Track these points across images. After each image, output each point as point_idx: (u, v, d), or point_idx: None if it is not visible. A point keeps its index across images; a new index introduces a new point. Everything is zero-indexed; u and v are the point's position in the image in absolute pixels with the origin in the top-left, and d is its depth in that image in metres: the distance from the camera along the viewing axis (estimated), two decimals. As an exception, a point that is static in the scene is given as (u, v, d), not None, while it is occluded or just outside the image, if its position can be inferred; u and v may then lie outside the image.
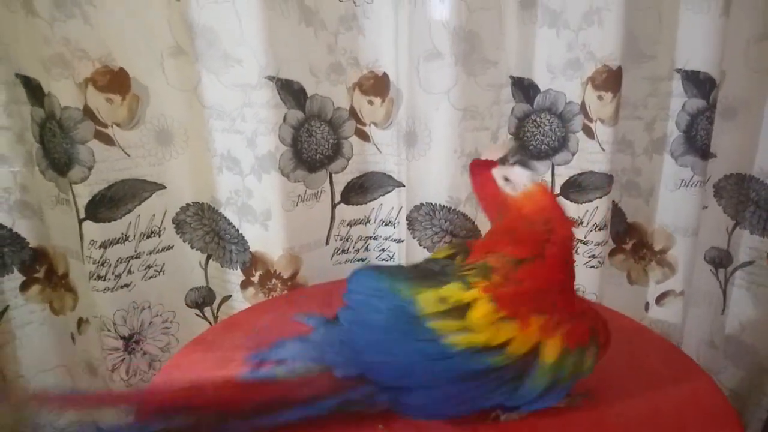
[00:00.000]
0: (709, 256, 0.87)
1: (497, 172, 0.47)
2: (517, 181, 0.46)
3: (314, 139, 0.74)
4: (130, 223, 0.70)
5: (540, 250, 0.45)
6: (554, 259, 0.45)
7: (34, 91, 0.65)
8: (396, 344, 0.43)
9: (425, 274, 0.47)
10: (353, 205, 0.81)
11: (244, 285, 0.76)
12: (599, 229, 0.76)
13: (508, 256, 0.45)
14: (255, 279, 0.76)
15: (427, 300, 0.43)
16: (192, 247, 0.77)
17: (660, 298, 0.85)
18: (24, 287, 0.73)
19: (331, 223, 0.80)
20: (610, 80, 0.70)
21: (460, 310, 0.42)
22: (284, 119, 0.69)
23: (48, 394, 0.44)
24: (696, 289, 0.86)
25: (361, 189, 0.81)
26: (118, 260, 0.70)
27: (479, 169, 0.49)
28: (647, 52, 0.76)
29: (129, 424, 0.41)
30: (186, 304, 0.79)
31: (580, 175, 0.76)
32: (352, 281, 0.47)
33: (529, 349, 0.41)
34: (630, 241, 0.85)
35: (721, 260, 0.86)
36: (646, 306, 0.86)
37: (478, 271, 0.44)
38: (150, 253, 0.73)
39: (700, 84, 0.74)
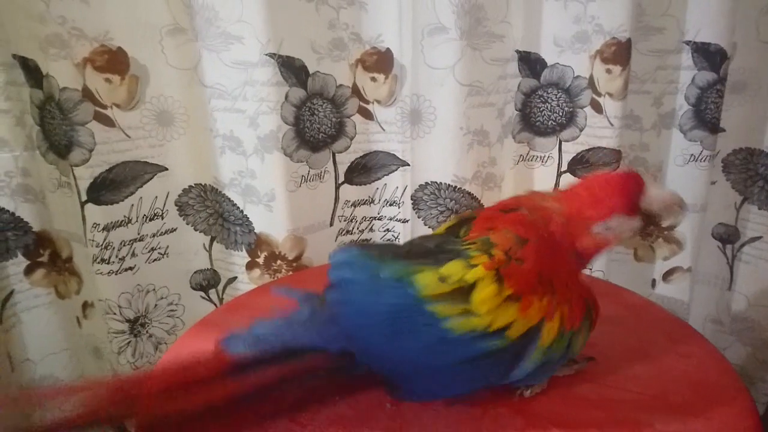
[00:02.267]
0: (716, 233, 0.86)
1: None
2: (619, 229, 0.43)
3: (316, 118, 0.72)
4: (133, 205, 0.70)
5: (545, 230, 0.43)
6: (559, 239, 0.43)
7: (32, 72, 0.64)
8: (391, 330, 0.39)
9: (420, 251, 0.43)
10: (357, 185, 0.80)
11: (250, 266, 0.76)
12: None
13: (512, 234, 0.42)
14: (260, 260, 0.75)
15: (426, 280, 0.39)
16: (195, 230, 0.76)
17: (667, 275, 0.84)
18: (28, 271, 0.73)
19: (335, 204, 0.79)
20: (619, 53, 0.69)
21: (463, 291, 0.39)
22: (286, 97, 0.68)
23: (32, 391, 0.39)
24: (703, 265, 0.86)
25: (365, 169, 0.80)
26: (121, 243, 0.69)
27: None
28: (655, 25, 0.74)
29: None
30: (191, 287, 0.79)
31: (587, 151, 0.75)
32: (336, 258, 0.42)
33: (527, 331, 0.40)
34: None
35: (728, 236, 0.85)
36: (653, 283, 0.86)
37: (479, 246, 0.41)
38: (153, 236, 0.73)
39: (711, 56, 0.72)
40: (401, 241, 0.84)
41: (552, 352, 0.41)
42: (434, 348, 0.39)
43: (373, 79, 0.75)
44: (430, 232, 0.76)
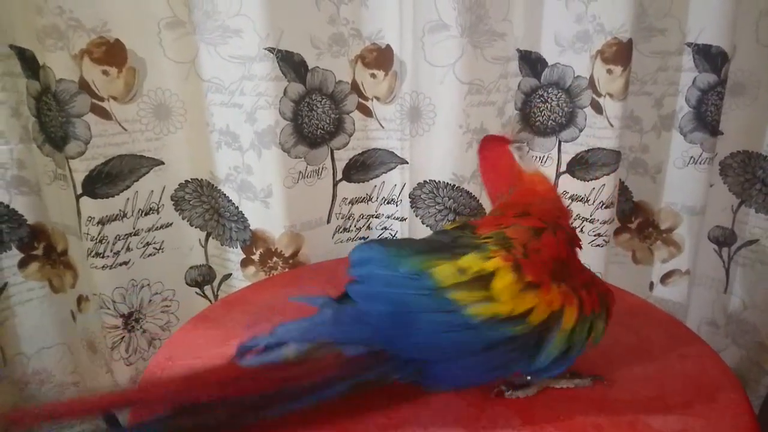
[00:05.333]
0: (713, 235, 0.86)
1: (513, 149, 0.50)
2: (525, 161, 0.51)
3: (315, 114, 0.72)
4: (128, 199, 0.69)
5: (554, 223, 0.46)
6: (565, 233, 0.47)
7: (28, 63, 0.64)
8: (416, 317, 0.41)
9: (436, 246, 0.45)
10: (355, 182, 0.80)
11: (245, 263, 0.76)
12: (605, 207, 0.75)
13: (525, 227, 0.45)
14: (255, 257, 0.75)
15: (444, 272, 0.41)
16: (191, 225, 0.76)
17: (665, 278, 0.84)
18: (22, 264, 0.72)
19: (332, 201, 0.79)
20: (620, 53, 0.68)
21: (482, 280, 0.41)
22: (284, 93, 0.68)
23: (23, 412, 0.37)
24: (699, 268, 0.86)
25: (363, 166, 0.79)
26: (116, 237, 0.69)
27: (493, 142, 0.52)
28: (657, 26, 0.74)
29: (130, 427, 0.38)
30: (186, 283, 0.78)
31: (587, 151, 0.75)
32: (356, 254, 0.44)
33: (549, 316, 0.41)
34: (636, 220, 0.84)
35: (725, 239, 0.85)
36: (651, 285, 0.85)
37: (495, 241, 0.43)
38: (149, 231, 0.72)
39: (712, 58, 0.72)
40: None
41: (575, 338, 0.42)
42: (459, 334, 0.41)
43: (373, 76, 0.74)
44: (428, 231, 0.77)
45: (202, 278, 0.79)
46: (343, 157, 0.77)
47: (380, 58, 0.73)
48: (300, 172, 0.73)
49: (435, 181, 0.75)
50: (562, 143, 0.77)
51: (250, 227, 0.73)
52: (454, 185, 0.75)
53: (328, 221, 0.79)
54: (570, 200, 0.79)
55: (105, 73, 0.64)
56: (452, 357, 0.42)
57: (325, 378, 0.40)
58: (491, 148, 0.54)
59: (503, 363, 0.42)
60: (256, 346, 0.40)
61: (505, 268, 0.41)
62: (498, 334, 0.41)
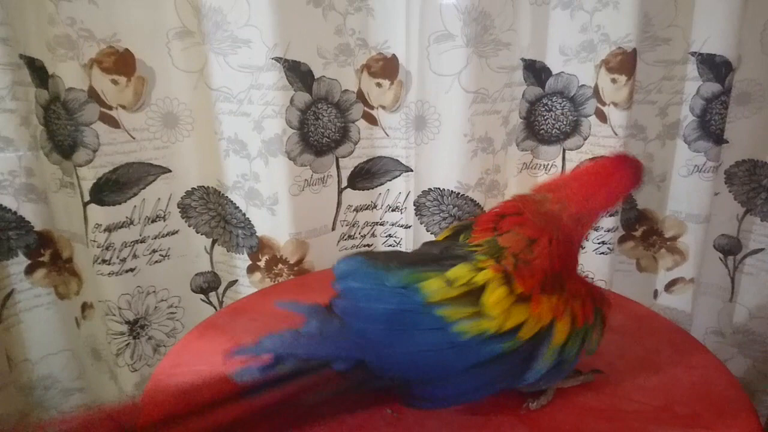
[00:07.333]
0: (718, 244, 0.86)
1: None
2: None
3: (321, 123, 0.73)
4: (135, 207, 0.70)
5: (553, 229, 0.43)
6: (566, 238, 0.43)
7: (38, 72, 0.64)
8: (401, 336, 0.39)
9: (425, 258, 0.42)
10: (360, 190, 0.80)
11: (251, 270, 0.76)
12: (610, 215, 0.76)
13: (521, 235, 0.42)
14: (261, 264, 0.75)
15: (433, 286, 0.39)
16: (197, 232, 0.76)
17: (669, 286, 0.84)
18: (29, 271, 0.73)
19: (337, 209, 0.79)
20: (625, 63, 0.69)
21: (472, 294, 0.39)
22: (291, 102, 0.68)
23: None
24: (705, 276, 0.86)
25: (368, 174, 0.80)
26: (123, 244, 0.69)
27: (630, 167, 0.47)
28: (661, 35, 0.74)
29: None
30: (191, 290, 0.79)
31: (591, 160, 0.75)
32: (340, 267, 0.42)
33: (539, 331, 0.39)
34: (640, 228, 0.84)
35: (730, 248, 0.85)
36: (655, 293, 0.85)
37: (486, 249, 0.41)
38: (155, 238, 0.73)
39: (716, 67, 0.72)
40: (403, 247, 0.83)
41: (566, 352, 0.41)
42: (445, 353, 0.39)
43: (379, 85, 0.75)
44: (432, 238, 0.77)
45: (207, 285, 0.79)
46: (348, 165, 0.78)
47: (386, 67, 0.74)
48: (306, 179, 0.73)
49: (440, 188, 0.76)
50: (567, 151, 0.78)
51: (257, 234, 0.74)
52: (459, 193, 0.75)
53: (333, 228, 0.79)
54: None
55: (114, 82, 0.64)
56: (436, 377, 0.39)
57: (318, 394, 0.38)
58: (622, 171, 0.47)
59: (489, 381, 0.40)
60: (244, 354, 0.38)
61: (496, 280, 0.39)
62: (486, 352, 0.39)
